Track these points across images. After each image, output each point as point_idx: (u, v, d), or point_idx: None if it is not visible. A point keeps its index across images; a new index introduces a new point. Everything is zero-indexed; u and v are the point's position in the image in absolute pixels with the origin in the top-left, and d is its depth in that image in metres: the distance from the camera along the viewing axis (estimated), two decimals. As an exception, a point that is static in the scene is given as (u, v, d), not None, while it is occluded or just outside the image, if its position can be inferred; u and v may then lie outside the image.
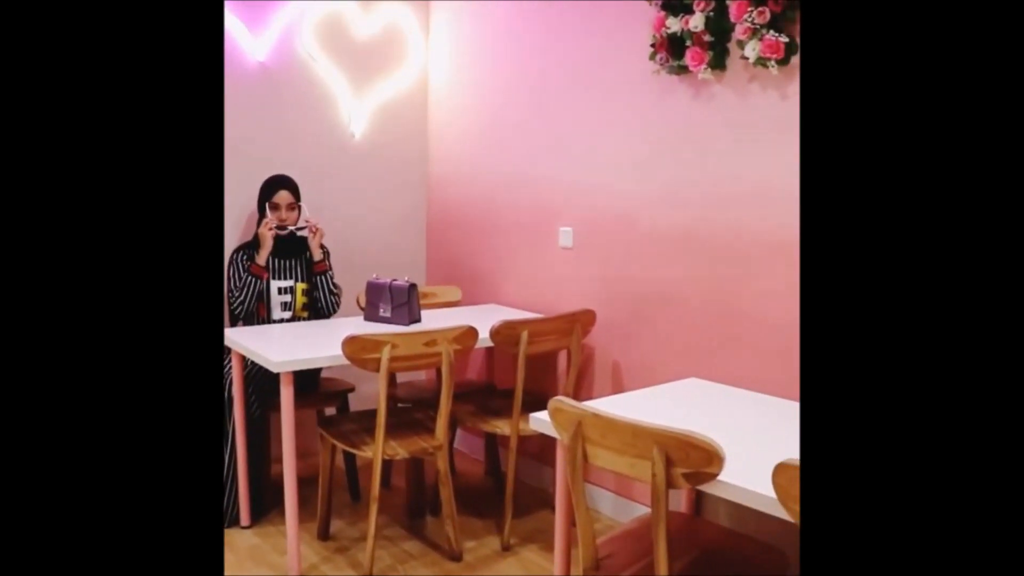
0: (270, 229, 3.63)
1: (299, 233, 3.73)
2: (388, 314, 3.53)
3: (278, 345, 3.07)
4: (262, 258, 3.62)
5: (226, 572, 3.07)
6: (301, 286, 3.73)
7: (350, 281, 4.15)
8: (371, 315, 3.57)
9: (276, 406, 3.19)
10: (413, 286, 3.53)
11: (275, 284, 3.70)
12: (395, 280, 3.56)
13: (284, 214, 3.71)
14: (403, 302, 3.51)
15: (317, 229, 3.75)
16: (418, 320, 3.57)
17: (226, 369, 3.42)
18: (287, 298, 3.71)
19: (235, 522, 3.44)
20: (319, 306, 3.79)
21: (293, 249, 3.76)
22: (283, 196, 3.72)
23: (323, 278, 3.76)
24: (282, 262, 3.74)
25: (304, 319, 3.72)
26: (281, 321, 3.68)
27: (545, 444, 3.74)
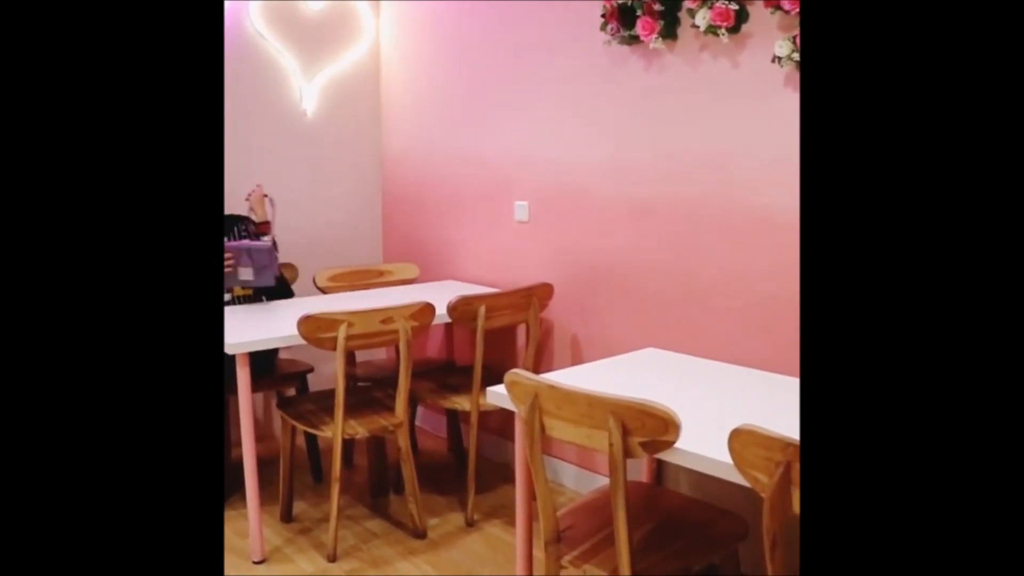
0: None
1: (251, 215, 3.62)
2: (251, 276, 3.35)
3: (232, 326, 3.03)
4: None
5: (187, 557, 3.05)
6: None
7: (306, 260, 4.11)
8: (231, 280, 3.35)
9: (233, 388, 3.15)
10: (275, 244, 3.43)
11: None
12: (255, 240, 3.42)
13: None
14: (265, 263, 3.36)
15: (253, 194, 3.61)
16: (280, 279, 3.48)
17: None
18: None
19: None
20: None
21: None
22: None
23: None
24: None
25: (246, 299, 3.53)
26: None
27: (506, 419, 3.74)
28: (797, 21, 2.60)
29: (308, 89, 4.24)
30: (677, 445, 1.87)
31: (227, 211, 3.57)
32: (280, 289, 3.62)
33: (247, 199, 3.62)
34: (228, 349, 2.84)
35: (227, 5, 3.93)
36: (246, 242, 3.40)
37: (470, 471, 3.31)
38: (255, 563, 3.00)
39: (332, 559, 3.01)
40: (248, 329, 3.00)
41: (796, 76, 2.63)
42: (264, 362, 3.61)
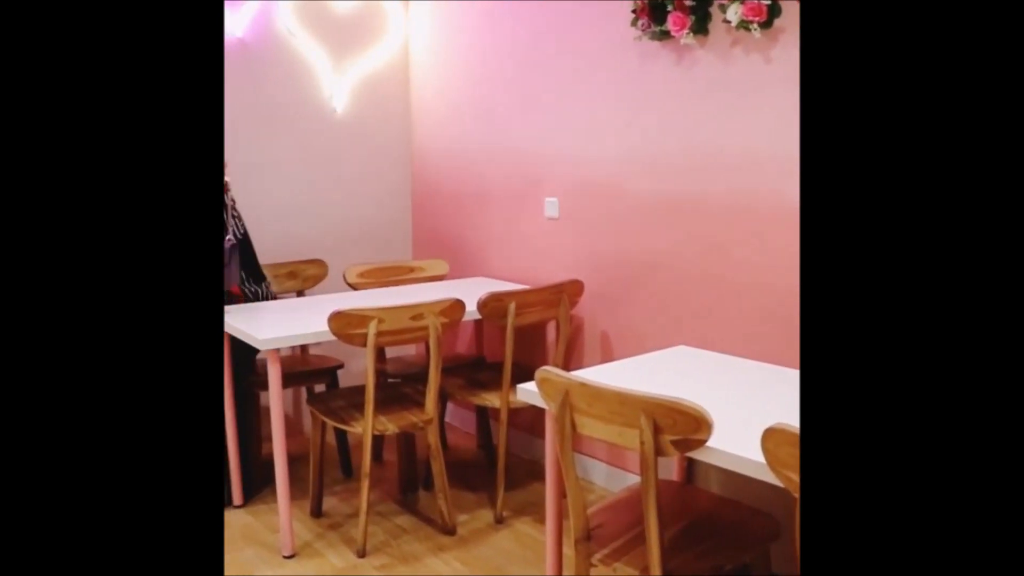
0: None
1: None
2: None
3: (263, 322, 3.05)
4: None
5: (219, 552, 3.07)
6: None
7: (336, 256, 4.13)
8: None
9: (264, 384, 3.17)
10: (235, 247, 3.33)
11: None
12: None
13: None
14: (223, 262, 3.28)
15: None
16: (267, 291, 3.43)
17: None
18: None
19: (227, 501, 3.43)
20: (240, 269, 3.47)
21: None
22: None
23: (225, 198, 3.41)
24: None
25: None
26: None
27: (536, 416, 3.74)
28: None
29: (338, 87, 4.26)
30: (709, 444, 1.86)
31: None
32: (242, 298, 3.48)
33: None
34: (259, 345, 2.86)
35: (258, 4, 3.95)
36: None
37: (499, 468, 3.31)
38: (285, 557, 3.02)
39: (362, 554, 3.03)
40: (279, 325, 3.01)
41: (830, 71, 2.60)
42: (243, 358, 3.50)
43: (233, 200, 3.44)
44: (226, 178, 3.45)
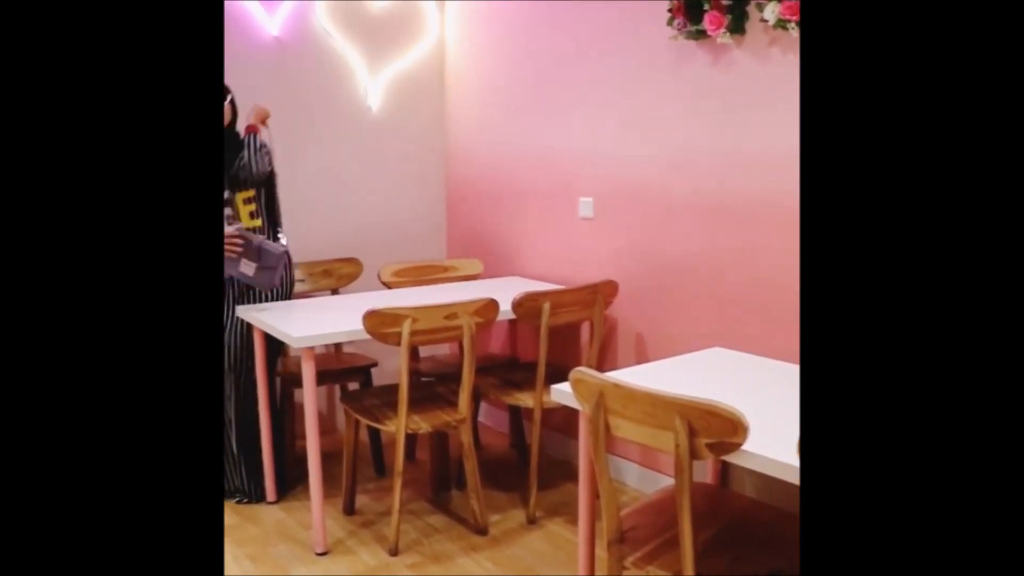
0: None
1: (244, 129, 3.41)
2: (250, 272, 3.25)
3: (297, 320, 3.07)
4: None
5: (252, 547, 3.09)
6: (242, 195, 3.37)
7: (370, 255, 4.14)
8: (230, 267, 3.24)
9: (299, 381, 3.19)
10: (286, 253, 3.35)
11: None
12: (269, 240, 3.35)
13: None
14: (270, 265, 3.28)
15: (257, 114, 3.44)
16: (287, 296, 3.42)
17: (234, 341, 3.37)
18: (227, 211, 3.35)
19: (261, 498, 3.46)
20: (263, 212, 3.46)
21: (228, 159, 3.34)
22: None
23: (251, 138, 3.35)
24: None
25: (258, 229, 3.40)
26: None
27: (569, 416, 3.72)
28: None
29: (373, 86, 4.27)
30: (745, 447, 1.84)
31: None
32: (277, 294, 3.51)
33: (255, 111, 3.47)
34: (294, 343, 2.88)
35: (294, 3, 3.98)
36: (263, 239, 3.33)
37: (532, 468, 3.30)
38: (318, 555, 3.03)
39: (394, 553, 3.03)
40: (314, 323, 3.03)
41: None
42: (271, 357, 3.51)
43: (264, 144, 3.37)
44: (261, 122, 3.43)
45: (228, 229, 3.27)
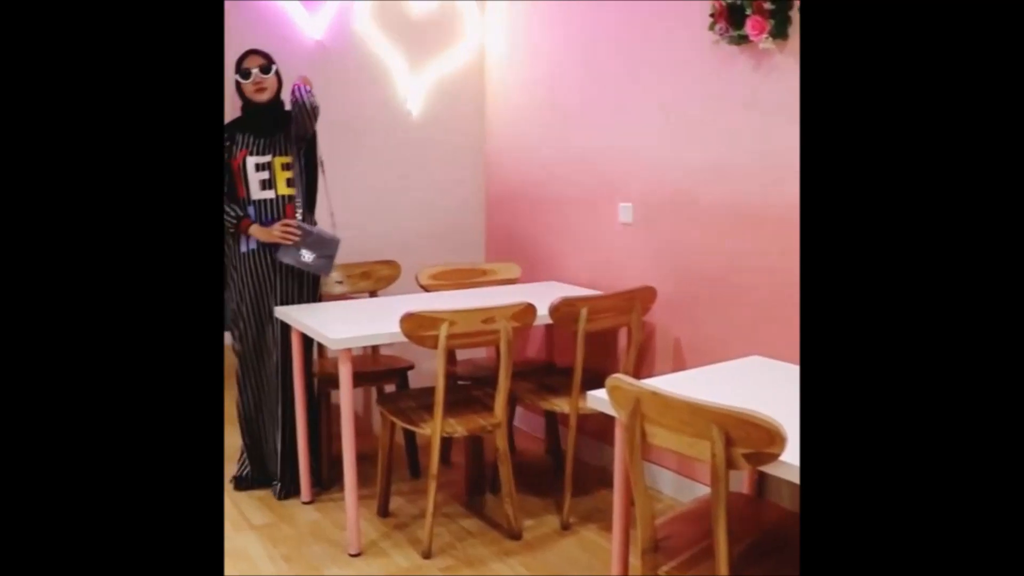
0: (281, 233, 3.35)
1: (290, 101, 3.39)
2: (309, 260, 3.36)
3: (335, 321, 3.08)
4: (258, 235, 3.39)
5: (287, 547, 3.11)
6: (280, 160, 3.40)
7: (408, 258, 4.15)
8: (289, 255, 3.35)
9: (335, 382, 3.21)
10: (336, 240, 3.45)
11: (251, 160, 3.38)
12: (321, 228, 3.44)
13: (259, 77, 3.36)
14: (328, 254, 3.39)
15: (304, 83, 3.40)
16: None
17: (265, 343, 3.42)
18: (265, 175, 3.39)
19: (296, 498, 3.48)
20: (300, 179, 3.46)
21: (270, 126, 3.41)
22: (253, 59, 3.38)
23: (299, 90, 3.32)
24: (258, 140, 3.40)
25: (291, 197, 3.43)
26: (263, 202, 3.40)
27: (605, 423, 3.70)
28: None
29: (413, 89, 4.28)
30: (782, 458, 1.81)
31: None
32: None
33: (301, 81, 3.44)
34: (331, 344, 2.89)
35: (336, 6, 4.00)
36: (322, 229, 3.43)
37: (567, 474, 3.29)
38: (351, 556, 3.04)
39: (427, 556, 3.03)
40: (351, 325, 3.04)
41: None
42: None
43: (310, 102, 3.36)
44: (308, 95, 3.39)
45: (288, 220, 3.37)
